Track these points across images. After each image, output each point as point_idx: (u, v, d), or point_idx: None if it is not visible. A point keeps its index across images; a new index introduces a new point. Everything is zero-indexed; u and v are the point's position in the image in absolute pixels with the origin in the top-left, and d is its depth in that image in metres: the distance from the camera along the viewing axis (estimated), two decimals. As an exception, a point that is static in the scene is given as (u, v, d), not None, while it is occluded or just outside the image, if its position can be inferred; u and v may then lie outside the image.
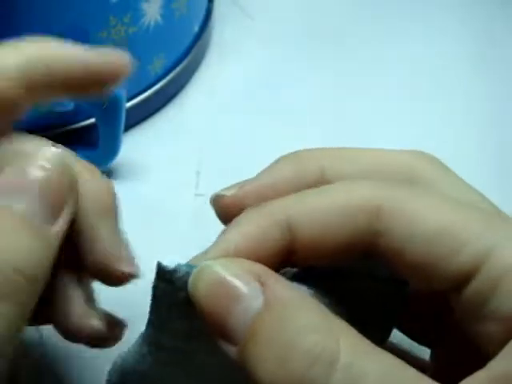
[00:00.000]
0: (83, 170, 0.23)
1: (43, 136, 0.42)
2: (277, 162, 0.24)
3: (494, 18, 0.56)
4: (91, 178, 0.23)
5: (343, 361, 0.16)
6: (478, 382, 0.17)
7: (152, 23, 0.42)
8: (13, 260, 0.19)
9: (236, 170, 0.47)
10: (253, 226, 0.20)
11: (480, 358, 0.18)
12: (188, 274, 0.19)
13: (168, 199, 0.43)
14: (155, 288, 0.20)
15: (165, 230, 0.40)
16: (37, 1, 0.37)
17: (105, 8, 0.39)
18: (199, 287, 0.19)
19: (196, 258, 0.21)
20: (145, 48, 0.44)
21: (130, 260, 0.23)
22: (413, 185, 0.22)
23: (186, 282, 0.19)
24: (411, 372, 0.17)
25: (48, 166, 0.21)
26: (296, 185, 0.22)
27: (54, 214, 0.20)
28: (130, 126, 0.45)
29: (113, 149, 0.41)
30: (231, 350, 0.18)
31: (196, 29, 0.49)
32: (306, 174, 0.22)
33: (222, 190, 0.23)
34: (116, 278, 0.22)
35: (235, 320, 0.18)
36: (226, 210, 0.22)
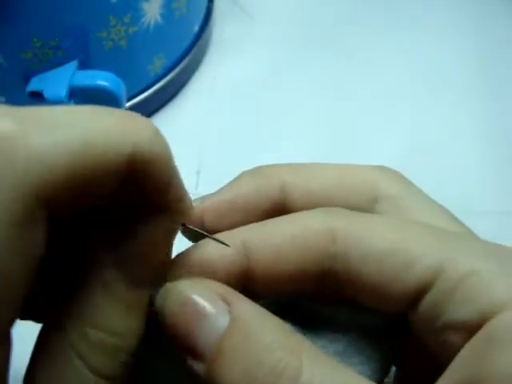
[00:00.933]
0: None
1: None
2: (238, 177, 0.24)
3: (496, 16, 0.56)
4: None
5: (306, 376, 0.17)
6: None
7: (152, 23, 0.42)
8: None
9: (236, 170, 0.47)
10: (209, 249, 0.20)
11: (441, 370, 0.18)
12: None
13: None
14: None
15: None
16: (37, 1, 0.37)
17: (105, 8, 0.39)
18: (166, 307, 0.19)
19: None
20: (145, 48, 0.44)
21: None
22: (376, 202, 0.22)
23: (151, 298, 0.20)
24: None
25: None
26: (256, 200, 0.22)
27: None
28: (129, 126, 0.45)
29: (113, 148, 0.41)
30: (199, 368, 0.18)
31: (196, 29, 0.49)
32: (267, 190, 0.23)
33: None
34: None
35: (202, 338, 0.18)
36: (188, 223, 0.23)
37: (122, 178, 0.18)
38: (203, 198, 0.23)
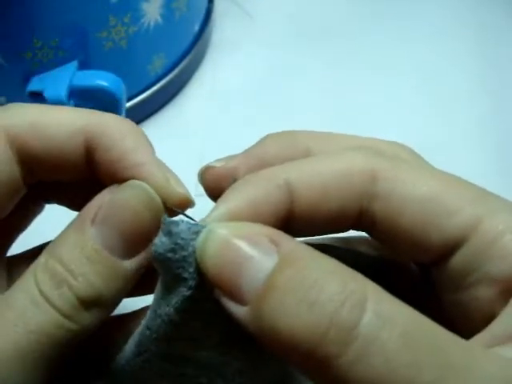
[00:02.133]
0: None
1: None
2: (264, 138, 0.24)
3: (496, 19, 0.56)
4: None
5: (372, 302, 0.16)
6: (483, 340, 0.18)
7: (152, 23, 0.42)
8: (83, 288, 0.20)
9: (236, 170, 0.47)
10: (253, 190, 0.20)
11: (461, 328, 0.19)
12: (190, 229, 0.19)
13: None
14: (157, 239, 0.19)
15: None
16: (37, 1, 0.37)
17: (105, 8, 0.39)
18: (206, 250, 0.18)
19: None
20: (145, 48, 0.44)
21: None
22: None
23: (187, 241, 0.19)
24: (434, 323, 0.17)
25: (133, 202, 0.21)
26: (284, 160, 0.22)
27: (132, 249, 0.21)
28: (130, 126, 0.45)
29: (113, 148, 0.41)
30: (240, 312, 0.17)
31: (196, 29, 0.49)
32: (294, 151, 0.22)
33: (211, 162, 0.23)
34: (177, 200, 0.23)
35: (247, 279, 0.17)
36: (217, 181, 0.23)
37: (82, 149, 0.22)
38: (230, 157, 0.23)
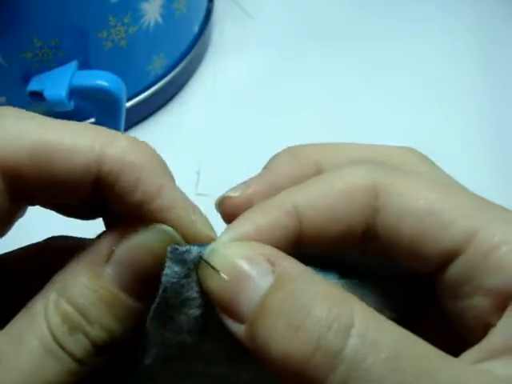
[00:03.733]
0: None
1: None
2: (274, 158, 0.24)
3: (495, 19, 0.56)
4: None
5: (358, 326, 0.16)
6: (479, 354, 0.18)
7: (152, 23, 0.42)
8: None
9: (236, 170, 0.47)
10: (261, 217, 0.20)
11: (458, 338, 0.19)
12: (199, 254, 0.19)
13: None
14: (168, 269, 0.20)
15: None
16: (37, 1, 0.37)
17: (105, 8, 0.39)
18: (208, 269, 0.19)
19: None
20: (145, 48, 0.44)
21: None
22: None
23: (196, 263, 0.19)
24: (423, 342, 0.17)
25: (158, 248, 0.20)
26: (295, 180, 0.22)
27: (149, 292, 0.20)
28: (129, 126, 0.45)
29: (113, 148, 0.41)
30: (239, 329, 0.18)
31: (196, 29, 0.49)
32: (304, 169, 0.23)
33: (227, 192, 0.23)
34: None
35: (244, 299, 0.18)
36: (235, 211, 0.23)
37: (92, 179, 0.20)
38: (246, 184, 0.23)
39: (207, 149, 0.46)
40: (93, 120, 0.42)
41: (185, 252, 0.19)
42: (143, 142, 0.22)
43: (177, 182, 0.48)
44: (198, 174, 0.44)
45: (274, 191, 0.22)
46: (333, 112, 0.49)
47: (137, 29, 0.42)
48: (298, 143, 0.50)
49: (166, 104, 0.48)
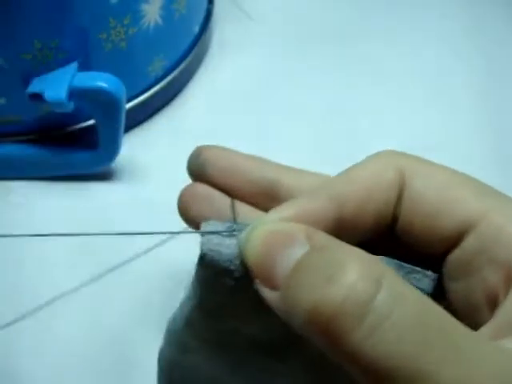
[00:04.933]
0: None
1: (44, 137, 0.43)
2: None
3: (495, 19, 0.56)
4: None
5: (388, 281, 0.17)
6: (490, 332, 0.18)
7: (152, 24, 0.42)
8: None
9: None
10: (304, 202, 0.22)
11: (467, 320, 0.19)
12: (233, 228, 0.21)
13: (168, 200, 0.42)
14: (202, 246, 0.21)
15: (165, 230, 0.40)
16: (37, 1, 0.37)
17: (104, 9, 0.39)
18: (250, 239, 0.20)
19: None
20: (145, 49, 0.44)
21: None
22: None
23: (231, 238, 0.21)
24: (446, 311, 0.17)
25: None
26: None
27: None
28: (130, 127, 0.45)
29: (113, 150, 0.41)
30: (273, 297, 0.19)
31: (196, 29, 0.49)
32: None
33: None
34: None
35: (280, 267, 0.19)
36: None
37: None
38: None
39: (207, 150, 0.46)
40: (93, 121, 0.42)
41: (218, 224, 0.21)
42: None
43: (177, 183, 0.49)
44: (199, 174, 0.44)
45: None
46: (333, 112, 0.49)
47: (137, 30, 0.42)
48: (298, 143, 0.50)
49: (166, 105, 0.48)
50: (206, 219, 0.21)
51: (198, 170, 0.29)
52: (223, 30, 0.54)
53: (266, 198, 0.26)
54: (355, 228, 0.22)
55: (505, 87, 0.51)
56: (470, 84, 0.51)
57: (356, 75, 0.51)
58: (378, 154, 0.23)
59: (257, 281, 0.19)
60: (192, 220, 0.27)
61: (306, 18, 0.56)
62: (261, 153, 0.47)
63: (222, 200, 0.26)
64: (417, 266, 0.21)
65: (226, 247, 0.21)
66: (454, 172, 0.22)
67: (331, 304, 0.17)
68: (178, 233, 0.23)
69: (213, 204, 0.27)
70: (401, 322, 0.16)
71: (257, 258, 0.19)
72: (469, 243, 0.20)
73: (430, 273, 0.21)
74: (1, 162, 0.43)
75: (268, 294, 0.19)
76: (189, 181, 0.46)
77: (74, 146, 0.43)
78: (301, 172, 0.27)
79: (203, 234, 0.21)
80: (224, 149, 0.28)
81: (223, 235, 0.21)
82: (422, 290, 0.21)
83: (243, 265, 0.20)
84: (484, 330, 0.19)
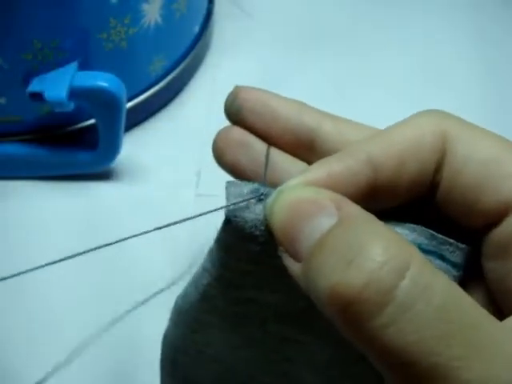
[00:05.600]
0: None
1: (44, 137, 0.43)
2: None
3: (495, 15, 0.56)
4: None
5: (413, 270, 0.16)
6: None
7: (152, 24, 0.42)
8: None
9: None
10: (335, 163, 0.20)
11: (503, 301, 0.19)
12: (258, 189, 0.20)
13: (168, 199, 0.43)
14: (226, 209, 0.20)
15: (165, 230, 0.40)
16: (37, 2, 0.37)
17: (105, 9, 0.39)
18: (276, 204, 0.19)
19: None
20: (145, 49, 0.44)
21: None
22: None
23: (256, 201, 0.20)
24: (471, 299, 0.17)
25: None
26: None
27: None
28: (130, 127, 0.45)
29: (113, 149, 0.41)
30: (294, 268, 0.18)
31: (196, 29, 0.49)
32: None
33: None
34: None
35: (305, 237, 0.18)
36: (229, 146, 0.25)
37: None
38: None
39: (208, 149, 0.46)
40: (93, 121, 0.42)
41: (242, 184, 0.20)
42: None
43: (177, 183, 0.48)
44: (198, 174, 0.44)
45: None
46: (333, 111, 0.49)
47: (137, 30, 0.42)
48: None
49: (166, 105, 0.48)
50: (230, 181, 0.20)
51: (235, 113, 0.26)
52: (223, 30, 0.54)
53: (304, 147, 0.24)
54: (390, 194, 0.21)
55: (505, 87, 0.51)
56: (471, 84, 0.51)
57: (356, 75, 0.51)
58: (420, 114, 0.22)
59: (281, 249, 0.19)
60: (226, 165, 0.25)
61: (305, 17, 0.56)
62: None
63: (259, 147, 0.24)
64: (454, 238, 0.20)
65: (251, 212, 0.20)
66: (505, 141, 0.21)
67: (351, 289, 0.16)
68: (205, 213, 0.22)
69: (248, 151, 0.25)
70: (422, 315, 0.16)
71: (282, 226, 0.18)
72: (509, 224, 0.19)
73: (463, 246, 0.20)
74: (1, 162, 0.43)
75: (291, 264, 0.18)
76: (186, 180, 0.47)
77: (74, 146, 0.43)
78: (344, 122, 0.25)
79: (227, 207, 0.20)
80: (263, 91, 0.26)
81: (248, 200, 0.20)
82: (453, 263, 0.20)
83: (269, 231, 0.19)
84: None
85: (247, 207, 0.20)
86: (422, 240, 0.20)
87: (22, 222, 0.41)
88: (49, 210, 0.42)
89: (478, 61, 0.53)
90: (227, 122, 0.49)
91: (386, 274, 0.16)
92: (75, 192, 0.43)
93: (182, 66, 0.48)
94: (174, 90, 0.48)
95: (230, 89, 0.52)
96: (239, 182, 0.20)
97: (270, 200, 0.19)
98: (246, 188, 0.20)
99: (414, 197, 0.21)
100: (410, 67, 0.52)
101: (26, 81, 0.39)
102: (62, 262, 0.41)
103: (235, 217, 0.20)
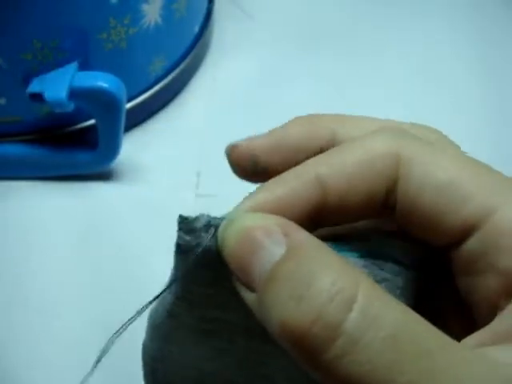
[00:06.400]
0: None
1: (44, 137, 0.43)
2: (290, 121, 0.24)
3: (495, 15, 0.56)
4: None
5: (361, 302, 0.16)
6: (483, 338, 0.18)
7: (152, 24, 0.42)
8: None
9: (236, 171, 0.47)
10: (282, 186, 0.20)
11: (469, 319, 0.19)
12: (209, 223, 0.20)
13: (168, 200, 0.43)
14: (179, 241, 0.20)
15: (165, 230, 0.40)
16: (37, 2, 0.37)
17: (105, 9, 0.39)
18: (227, 235, 0.19)
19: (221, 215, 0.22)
20: (145, 49, 0.44)
21: None
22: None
23: (208, 233, 0.20)
24: (424, 322, 0.17)
25: None
26: (307, 142, 0.23)
27: None
28: (130, 127, 0.45)
29: (113, 150, 0.41)
30: (250, 298, 0.18)
31: (196, 29, 0.49)
32: (318, 134, 0.23)
33: (236, 141, 0.24)
34: None
35: (257, 267, 0.18)
36: (239, 159, 0.23)
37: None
38: (253, 137, 0.24)
39: (208, 149, 0.46)
40: (93, 121, 0.42)
41: (194, 220, 0.20)
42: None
43: (177, 183, 0.48)
44: (198, 174, 0.44)
45: (281, 147, 0.22)
46: (333, 111, 0.49)
47: (137, 30, 0.42)
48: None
49: (166, 105, 0.48)
50: (182, 216, 0.20)
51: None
52: (223, 30, 0.54)
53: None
54: (340, 213, 0.21)
55: (505, 87, 0.51)
56: (471, 84, 0.51)
57: (356, 75, 0.51)
58: (374, 134, 0.21)
59: (235, 277, 0.19)
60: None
61: (305, 17, 0.56)
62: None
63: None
64: (421, 250, 0.21)
65: (204, 239, 0.20)
66: (462, 161, 0.21)
67: (301, 324, 0.16)
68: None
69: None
70: (373, 346, 0.16)
71: (234, 256, 0.19)
72: (471, 245, 0.19)
73: (407, 244, 0.20)
74: (1, 162, 0.43)
75: (245, 293, 0.18)
76: (186, 180, 0.47)
77: (74, 146, 0.43)
78: (358, 120, 0.24)
79: (179, 245, 0.20)
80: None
81: (201, 231, 0.20)
82: (405, 264, 0.20)
83: (222, 259, 0.20)
84: (477, 334, 0.18)
85: (200, 236, 0.20)
86: (370, 247, 0.21)
87: (21, 222, 0.41)
88: (49, 210, 0.42)
89: (477, 61, 0.53)
90: (227, 122, 0.49)
91: (333, 308, 0.16)
92: (75, 192, 0.43)
93: (181, 67, 0.48)
94: (174, 90, 0.48)
95: (229, 89, 0.53)
96: (191, 217, 0.20)
97: (220, 229, 0.20)
98: (199, 223, 0.20)
99: (370, 215, 0.21)
100: (410, 67, 0.52)
101: (26, 81, 0.39)
102: (62, 264, 0.41)
103: (189, 249, 0.20)
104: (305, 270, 0.17)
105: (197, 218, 0.20)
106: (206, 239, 0.20)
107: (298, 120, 0.24)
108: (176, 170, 0.45)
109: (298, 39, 0.54)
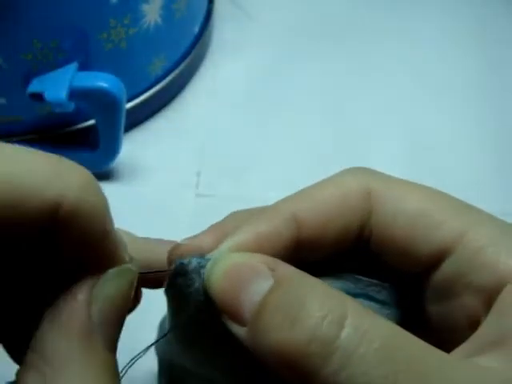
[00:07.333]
0: None
1: (44, 137, 0.43)
2: (225, 217, 0.24)
3: (496, 18, 0.56)
4: None
5: (351, 318, 0.17)
6: (468, 349, 0.19)
7: (152, 24, 0.42)
8: None
9: (236, 170, 0.47)
10: (260, 225, 0.21)
11: (447, 339, 0.20)
12: (199, 264, 0.20)
13: (168, 200, 0.43)
14: (171, 284, 0.21)
15: (165, 230, 0.40)
16: (37, 2, 0.37)
17: (105, 9, 0.39)
18: (213, 273, 0.20)
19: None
20: (145, 49, 0.44)
21: None
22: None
23: (198, 273, 0.20)
24: (413, 336, 0.18)
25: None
26: (275, 238, 0.23)
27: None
28: (130, 127, 0.45)
29: (113, 150, 0.41)
30: (241, 332, 0.19)
31: (196, 29, 0.49)
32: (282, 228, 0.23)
33: (180, 241, 0.23)
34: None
35: (246, 302, 0.19)
36: (182, 255, 0.23)
37: (46, 222, 0.18)
38: (195, 235, 0.23)
39: (208, 149, 0.46)
40: (93, 121, 0.42)
41: (187, 264, 0.20)
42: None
43: (177, 183, 0.49)
44: (199, 174, 0.44)
45: (221, 237, 0.22)
46: (333, 112, 0.49)
47: (137, 30, 0.42)
48: (298, 143, 0.50)
49: (166, 105, 0.48)
50: (177, 260, 0.21)
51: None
52: (223, 29, 0.54)
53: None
54: (316, 248, 0.22)
55: (505, 87, 0.51)
56: (471, 84, 0.51)
57: (356, 75, 0.52)
58: (345, 172, 0.22)
59: (224, 316, 0.19)
60: None
61: (305, 18, 0.56)
62: (260, 152, 0.47)
63: None
64: (395, 281, 0.22)
65: (191, 281, 0.20)
66: (428, 192, 0.22)
67: (297, 346, 0.17)
68: (147, 272, 0.22)
69: None
70: (367, 358, 0.17)
71: (222, 294, 0.19)
72: (446, 269, 0.20)
73: (386, 284, 0.21)
74: (1, 161, 0.43)
75: (236, 329, 0.19)
76: (186, 180, 0.47)
77: (74, 146, 0.43)
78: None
79: (169, 281, 0.21)
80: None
81: (188, 273, 0.20)
82: (382, 301, 0.21)
83: (210, 300, 0.20)
84: (460, 348, 0.19)
85: (187, 277, 0.20)
86: (349, 285, 0.21)
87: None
88: None
89: (478, 61, 0.53)
90: (227, 122, 0.49)
91: (326, 326, 0.17)
92: (75, 192, 0.43)
93: (181, 67, 0.48)
94: (174, 90, 0.48)
95: (230, 89, 0.53)
96: (185, 261, 0.21)
97: (207, 270, 0.20)
98: (190, 266, 0.21)
99: (344, 249, 0.22)
100: (411, 67, 0.52)
101: (26, 81, 0.39)
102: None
103: (175, 287, 0.21)
104: (294, 296, 0.18)
105: (189, 262, 0.21)
106: (193, 277, 0.20)
107: (231, 215, 0.24)
108: (176, 169, 0.45)
109: (298, 39, 0.54)
